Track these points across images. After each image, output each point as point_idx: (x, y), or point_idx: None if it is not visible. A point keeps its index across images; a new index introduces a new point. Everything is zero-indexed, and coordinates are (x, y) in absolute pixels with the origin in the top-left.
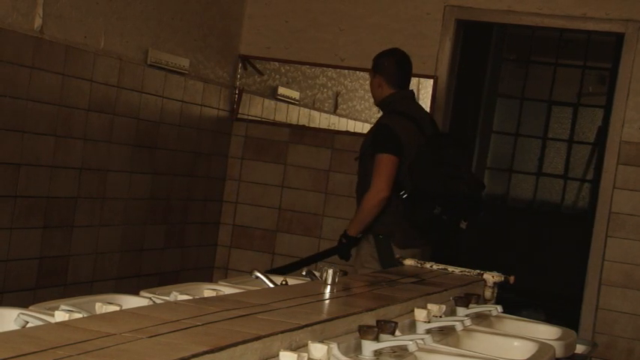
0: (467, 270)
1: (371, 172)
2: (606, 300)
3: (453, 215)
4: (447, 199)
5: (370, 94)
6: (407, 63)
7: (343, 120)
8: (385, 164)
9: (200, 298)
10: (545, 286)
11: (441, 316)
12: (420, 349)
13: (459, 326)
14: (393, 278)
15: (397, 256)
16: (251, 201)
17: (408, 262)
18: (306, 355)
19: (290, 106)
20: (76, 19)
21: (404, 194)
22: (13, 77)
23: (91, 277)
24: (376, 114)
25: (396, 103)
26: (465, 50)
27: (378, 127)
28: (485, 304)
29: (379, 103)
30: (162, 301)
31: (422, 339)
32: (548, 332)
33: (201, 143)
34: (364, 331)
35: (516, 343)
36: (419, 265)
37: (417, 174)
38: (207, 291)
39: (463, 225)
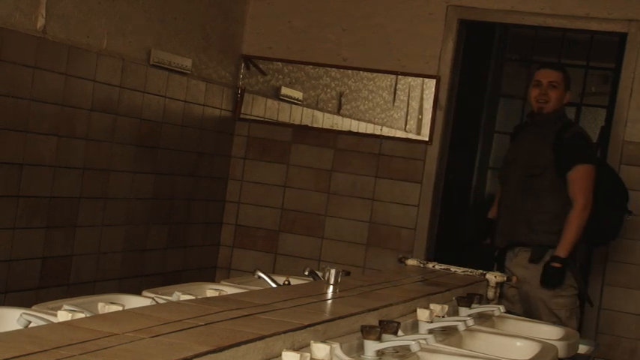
0: (469, 270)
1: (543, 185)
2: (609, 300)
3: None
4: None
5: (373, 94)
6: None
7: (347, 120)
8: (588, 176)
9: (203, 298)
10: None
11: (443, 316)
12: (423, 349)
13: (461, 326)
14: (396, 278)
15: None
16: (253, 201)
17: (411, 262)
18: (308, 355)
19: (293, 106)
20: (78, 19)
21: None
22: (15, 77)
23: (93, 277)
24: (380, 114)
25: (565, 116)
26: (468, 50)
27: (574, 136)
28: (488, 304)
29: (548, 115)
30: (164, 301)
31: (424, 339)
32: (550, 332)
33: (203, 143)
34: (367, 331)
35: (519, 343)
36: (421, 265)
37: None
38: (210, 291)
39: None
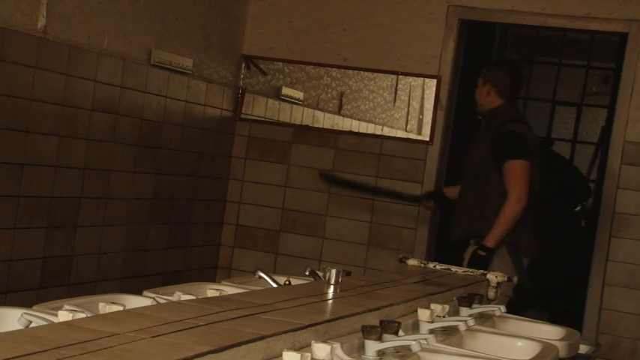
0: (470, 270)
1: (487, 180)
2: (610, 300)
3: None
4: (584, 197)
5: (374, 94)
6: (519, 76)
7: (347, 120)
8: (522, 171)
9: (203, 298)
10: (548, 287)
11: (444, 316)
12: (424, 349)
13: (462, 326)
14: (397, 278)
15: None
16: (254, 201)
17: (412, 262)
18: (309, 355)
19: (294, 106)
20: (79, 19)
21: (531, 200)
22: (16, 77)
23: (94, 277)
24: (380, 114)
25: (509, 113)
26: (468, 50)
27: (506, 134)
28: (489, 304)
29: (487, 112)
30: (165, 301)
31: (425, 339)
32: (551, 332)
33: (204, 143)
34: (367, 331)
35: (520, 343)
36: (422, 265)
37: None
38: (211, 291)
39: (583, 223)
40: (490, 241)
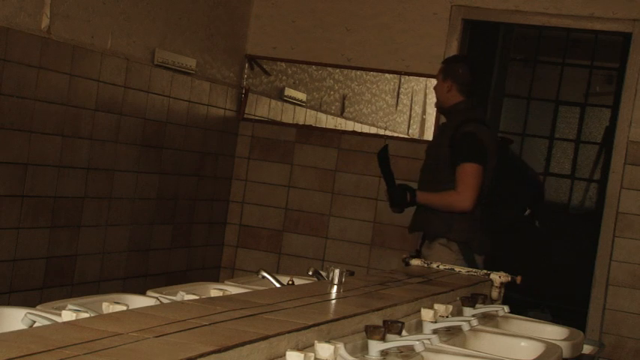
0: (474, 270)
1: (442, 179)
2: (613, 300)
3: (536, 216)
4: (537, 199)
5: (377, 98)
6: (477, 72)
7: (350, 123)
8: (474, 175)
9: (207, 298)
10: (552, 287)
11: (447, 317)
12: (427, 349)
13: (465, 326)
14: (400, 278)
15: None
16: (258, 201)
17: (415, 262)
18: (312, 355)
19: (297, 107)
20: (83, 19)
21: (483, 201)
22: (20, 77)
23: (98, 276)
24: (383, 118)
25: (468, 111)
26: (472, 50)
27: (464, 135)
28: (492, 304)
29: (447, 109)
30: (169, 301)
31: (429, 339)
32: (555, 332)
33: (207, 143)
34: (371, 331)
35: (523, 343)
36: (425, 265)
37: (511, 177)
38: (214, 291)
39: (537, 224)
40: (420, 196)
